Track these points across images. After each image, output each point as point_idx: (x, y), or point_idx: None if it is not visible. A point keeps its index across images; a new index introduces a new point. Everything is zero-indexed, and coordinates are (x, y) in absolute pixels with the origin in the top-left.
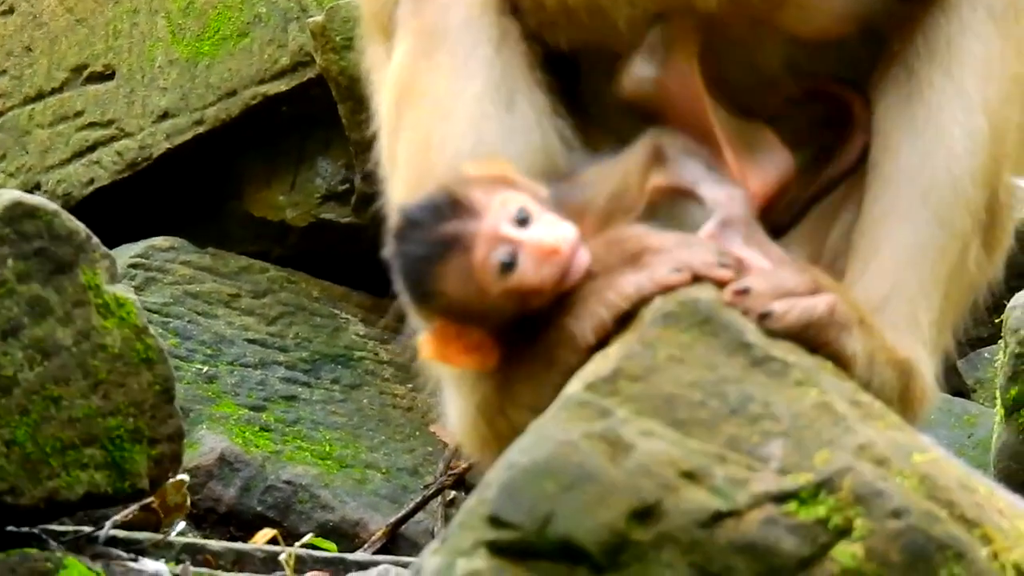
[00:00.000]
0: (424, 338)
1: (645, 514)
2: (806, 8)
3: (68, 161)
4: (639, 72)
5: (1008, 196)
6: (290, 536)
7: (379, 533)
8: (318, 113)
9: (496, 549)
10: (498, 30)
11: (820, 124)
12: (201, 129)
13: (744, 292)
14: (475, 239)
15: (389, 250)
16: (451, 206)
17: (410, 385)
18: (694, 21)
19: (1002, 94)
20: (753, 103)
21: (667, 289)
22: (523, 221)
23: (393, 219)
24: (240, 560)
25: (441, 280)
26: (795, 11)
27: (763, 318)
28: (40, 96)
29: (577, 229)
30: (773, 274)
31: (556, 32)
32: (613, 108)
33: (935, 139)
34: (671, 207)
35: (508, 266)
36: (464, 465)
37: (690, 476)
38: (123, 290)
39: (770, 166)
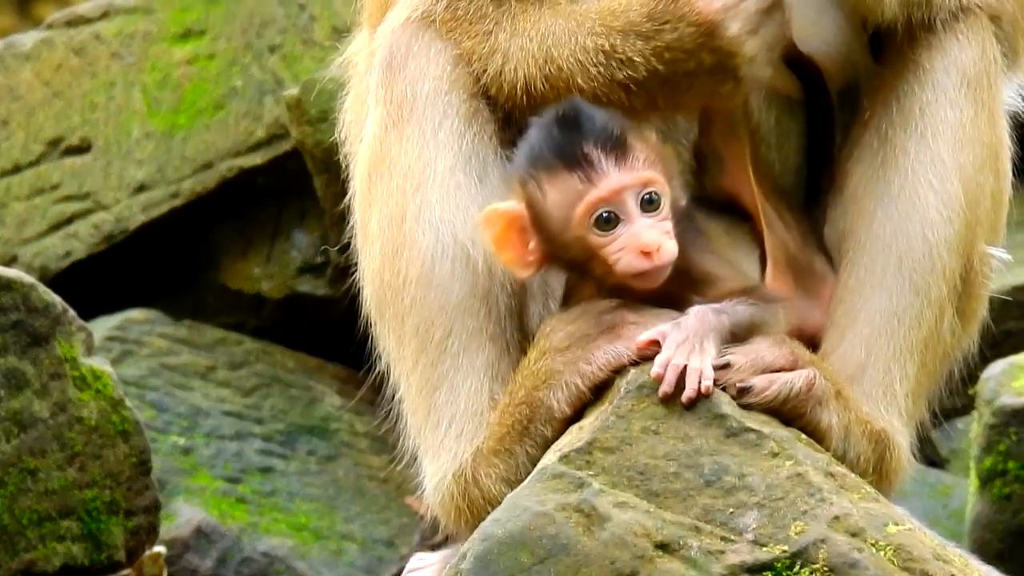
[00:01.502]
0: (502, 206)
1: None
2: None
3: (45, 234)
4: (706, 181)
5: (983, 264)
6: None
7: None
8: (294, 185)
9: None
10: (467, 105)
11: None
12: (177, 202)
13: (724, 366)
14: (603, 180)
15: (542, 118)
16: (614, 141)
17: (386, 457)
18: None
19: (976, 161)
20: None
21: (643, 360)
22: (648, 204)
23: (567, 102)
24: None
25: (550, 179)
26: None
27: (742, 393)
28: (17, 169)
29: (674, 254)
30: (752, 348)
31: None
32: None
33: (910, 206)
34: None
35: (606, 225)
36: (440, 537)
37: (665, 547)
38: (99, 363)
39: (804, 315)
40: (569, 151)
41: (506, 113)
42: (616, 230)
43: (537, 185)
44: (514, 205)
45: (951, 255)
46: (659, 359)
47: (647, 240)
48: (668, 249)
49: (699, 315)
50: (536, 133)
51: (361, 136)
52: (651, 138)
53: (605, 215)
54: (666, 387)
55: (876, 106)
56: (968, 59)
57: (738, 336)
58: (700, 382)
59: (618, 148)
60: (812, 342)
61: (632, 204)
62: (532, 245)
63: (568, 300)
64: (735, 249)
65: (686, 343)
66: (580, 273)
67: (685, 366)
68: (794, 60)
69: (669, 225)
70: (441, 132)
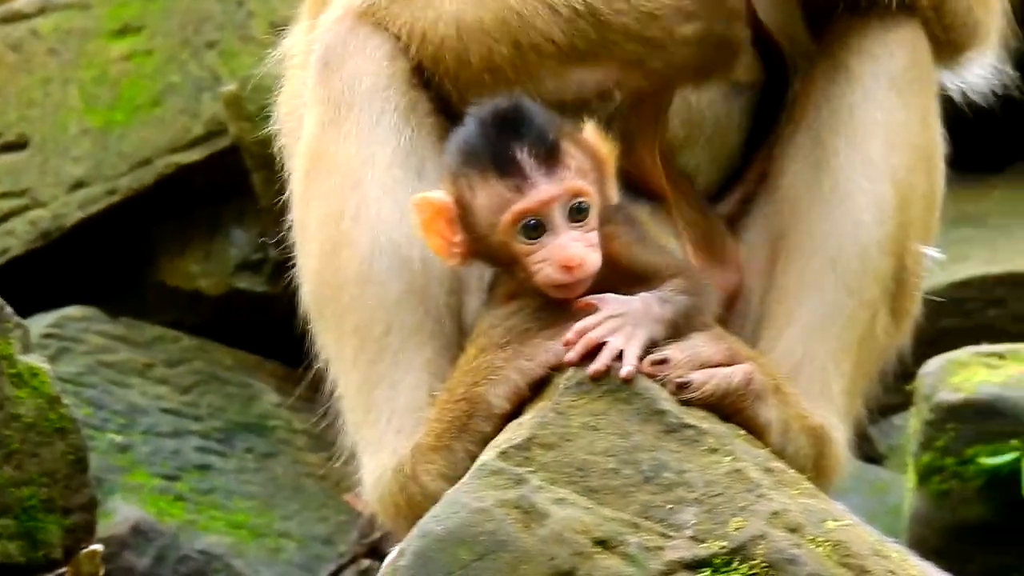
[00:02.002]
0: (435, 194)
1: None
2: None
3: None
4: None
5: (915, 264)
6: None
7: None
8: (232, 182)
9: None
10: (406, 100)
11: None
12: (115, 199)
13: (662, 362)
14: (532, 191)
15: (482, 111)
16: (547, 148)
17: (324, 454)
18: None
19: (907, 163)
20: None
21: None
22: (577, 214)
23: (508, 98)
24: None
25: (482, 181)
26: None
27: (681, 388)
28: None
29: (596, 267)
30: (690, 344)
31: (481, 94)
32: None
33: (842, 208)
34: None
35: (532, 234)
36: (378, 534)
37: (604, 544)
38: (36, 360)
39: (720, 281)
40: (502, 155)
41: (445, 102)
42: (541, 239)
43: (467, 184)
44: (444, 196)
45: (883, 256)
46: (577, 325)
47: (570, 254)
48: (590, 263)
49: (645, 301)
50: (473, 127)
51: (298, 132)
52: (594, 139)
53: (532, 223)
54: (571, 356)
55: (808, 106)
56: (898, 63)
57: (680, 326)
58: (623, 367)
59: (551, 157)
60: (731, 303)
61: (559, 215)
62: (458, 239)
63: (493, 290)
64: (661, 232)
65: (616, 322)
66: (504, 270)
67: (604, 343)
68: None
69: (595, 237)
70: (379, 128)
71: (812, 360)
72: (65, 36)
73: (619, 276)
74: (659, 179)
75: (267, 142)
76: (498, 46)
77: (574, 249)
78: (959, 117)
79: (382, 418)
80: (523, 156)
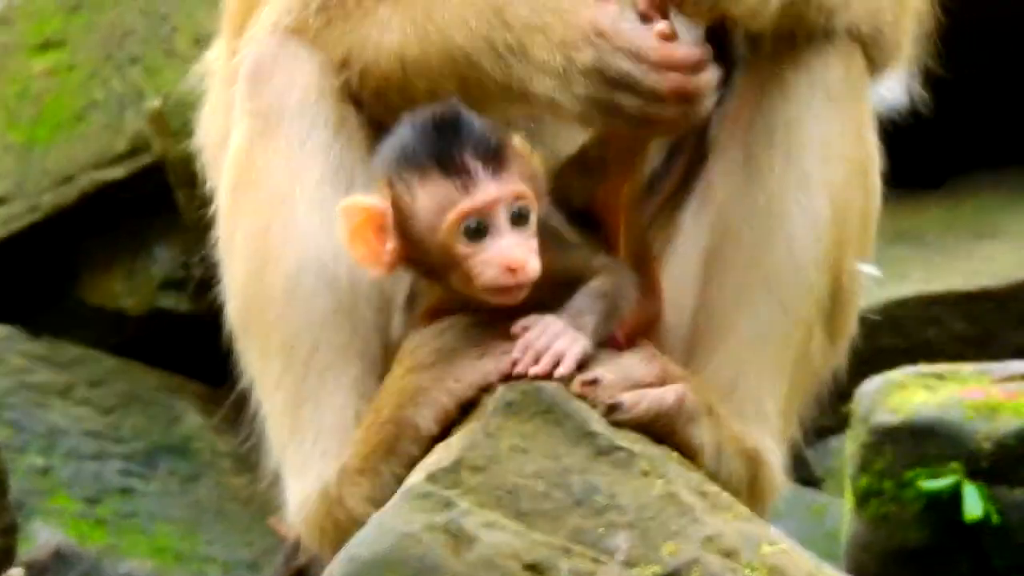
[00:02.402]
0: (361, 200)
1: None
2: None
3: None
4: (577, 184)
5: (851, 282)
6: None
7: None
8: (156, 199)
9: None
10: (336, 114)
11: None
12: (37, 216)
13: (593, 382)
14: (478, 189)
15: (416, 116)
16: (490, 149)
17: (248, 476)
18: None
19: (843, 177)
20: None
21: (511, 377)
22: (518, 218)
23: (445, 103)
24: None
25: (422, 182)
26: None
27: (612, 410)
28: None
29: (537, 273)
30: (621, 364)
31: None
32: None
33: (777, 223)
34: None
35: (474, 236)
36: (304, 559)
37: (534, 569)
38: None
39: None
40: (446, 155)
41: (376, 116)
42: (484, 242)
43: (407, 186)
44: (376, 201)
45: (819, 273)
46: (520, 341)
47: (515, 256)
48: (532, 267)
49: (570, 314)
50: (409, 132)
51: (223, 147)
52: (526, 150)
53: (474, 225)
54: (520, 368)
55: (741, 118)
56: (834, 76)
57: (607, 328)
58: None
59: (496, 158)
60: (652, 330)
61: (503, 217)
62: (390, 246)
63: (412, 306)
64: (574, 229)
65: (551, 332)
66: (435, 280)
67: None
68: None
69: (535, 243)
70: (309, 143)
71: (746, 380)
72: None
73: (545, 284)
74: (615, 207)
75: (191, 158)
76: (445, 82)
77: (517, 252)
78: (896, 131)
79: (307, 439)
80: (468, 156)
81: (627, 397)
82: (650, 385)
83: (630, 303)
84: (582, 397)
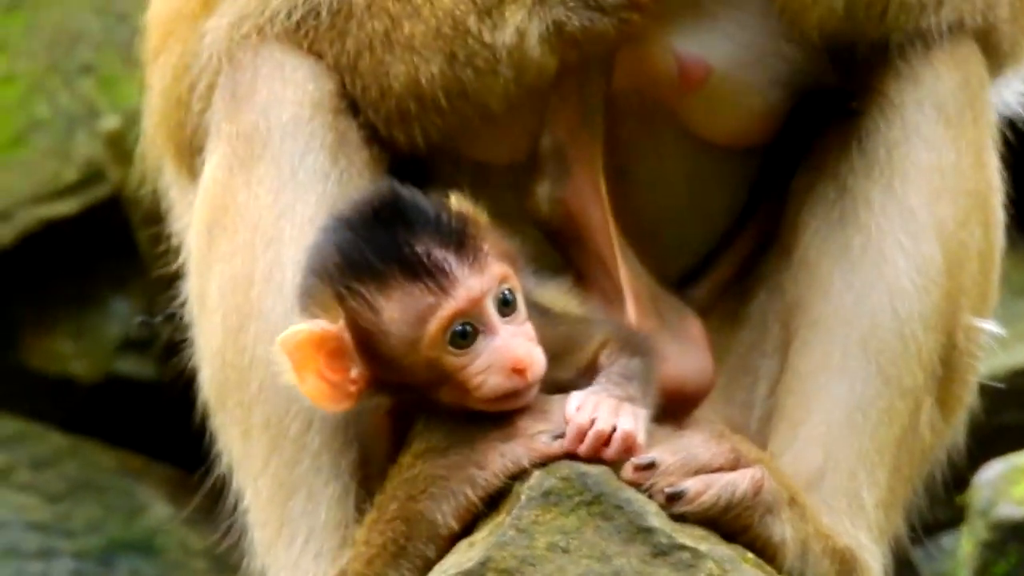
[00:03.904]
0: (300, 328)
1: None
2: (719, 103)
3: None
4: (538, 190)
5: (969, 342)
6: None
7: None
8: (111, 241)
9: None
10: (334, 134)
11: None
12: None
13: (648, 467)
14: (457, 288)
15: (345, 214)
16: (455, 235)
17: None
18: (586, 99)
19: (958, 214)
20: (660, 231)
21: (548, 461)
22: (505, 306)
23: (379, 189)
24: None
25: (385, 292)
26: (703, 105)
27: (672, 499)
28: None
29: (544, 365)
30: (683, 444)
31: (409, 126)
32: None
33: (875, 273)
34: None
35: (464, 341)
36: None
37: None
38: None
39: (683, 361)
40: (406, 254)
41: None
42: (476, 346)
43: (365, 300)
44: (325, 324)
45: (928, 333)
46: (577, 419)
47: (520, 353)
48: (539, 360)
49: (607, 388)
50: (348, 232)
51: (183, 172)
52: (474, 212)
53: (462, 329)
54: (566, 442)
55: (832, 146)
56: (947, 89)
57: (653, 397)
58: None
59: (462, 241)
60: (700, 395)
61: (491, 311)
62: (355, 372)
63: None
64: (576, 300)
65: (607, 405)
66: (418, 400)
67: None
68: None
69: (530, 328)
70: (301, 172)
71: (838, 465)
72: None
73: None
74: (602, 223)
75: (157, 191)
76: (432, 58)
77: (520, 348)
78: (1020, 152)
79: (299, 537)
80: (432, 248)
81: (691, 484)
82: (719, 469)
83: (658, 363)
84: (636, 484)
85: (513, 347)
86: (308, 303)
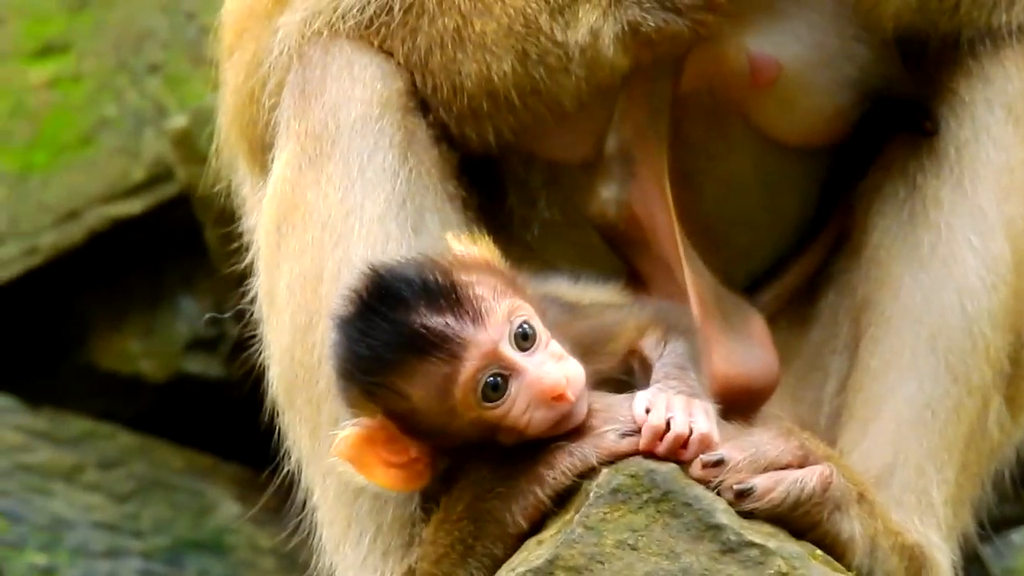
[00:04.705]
0: (346, 432)
1: None
2: (791, 103)
3: None
4: (603, 192)
5: None
6: None
7: None
8: (179, 240)
9: None
10: (402, 132)
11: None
12: (34, 260)
13: (717, 464)
14: (468, 349)
15: (342, 310)
16: (447, 295)
17: None
18: (654, 100)
19: None
20: (730, 234)
21: (616, 459)
22: (525, 338)
23: (364, 275)
24: None
25: (405, 378)
26: (773, 105)
27: (741, 496)
28: None
29: (583, 375)
30: (751, 441)
31: (481, 125)
32: (544, 230)
33: (945, 271)
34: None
35: (496, 393)
36: None
37: None
38: None
39: (748, 358)
40: (407, 336)
41: (458, 118)
42: (509, 391)
43: (389, 391)
44: (366, 421)
45: (996, 330)
46: (651, 420)
47: (552, 382)
48: (576, 375)
49: (670, 375)
50: (350, 333)
51: (254, 170)
52: (473, 246)
53: (491, 381)
54: (643, 440)
55: (901, 146)
56: (1016, 89)
57: (702, 376)
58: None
59: (458, 297)
60: (766, 392)
61: (510, 353)
62: (415, 451)
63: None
64: (599, 289)
65: (679, 405)
66: (478, 446)
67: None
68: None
69: (557, 346)
70: (370, 170)
71: (907, 462)
72: None
73: (582, 358)
74: (667, 224)
75: (225, 190)
76: (504, 56)
77: (551, 376)
78: None
79: (366, 535)
80: (432, 320)
81: (760, 481)
82: (787, 466)
83: (699, 336)
84: (704, 482)
85: (544, 378)
86: (345, 402)
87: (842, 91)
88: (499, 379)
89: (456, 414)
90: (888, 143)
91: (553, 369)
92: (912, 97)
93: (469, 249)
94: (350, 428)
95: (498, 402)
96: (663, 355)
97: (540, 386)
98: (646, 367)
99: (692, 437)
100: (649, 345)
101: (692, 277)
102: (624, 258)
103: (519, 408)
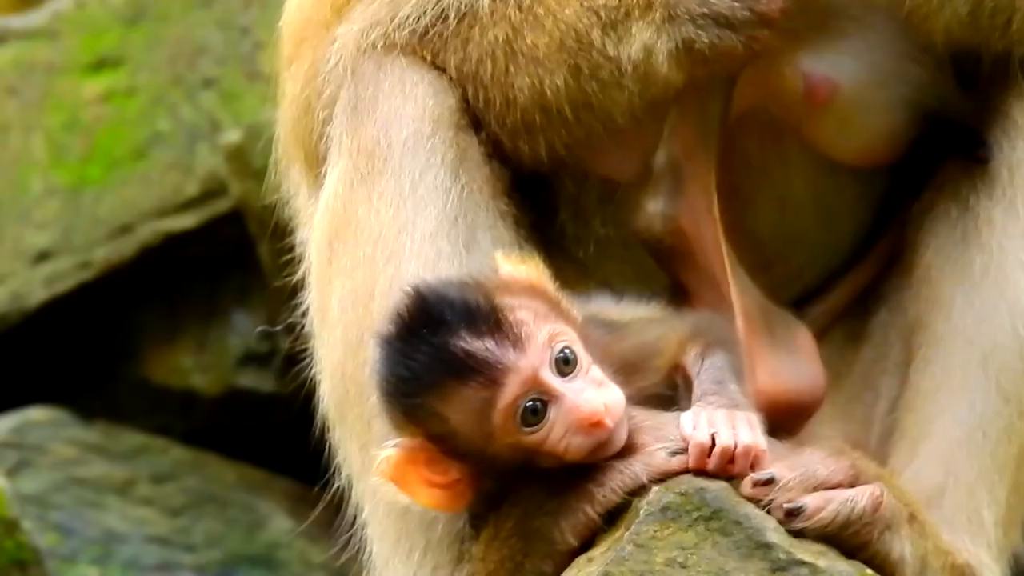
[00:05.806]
0: (389, 452)
1: None
2: (846, 122)
3: None
4: (650, 206)
5: None
6: None
7: None
8: (233, 255)
9: None
10: (454, 150)
11: None
12: (87, 274)
13: (767, 482)
14: (508, 374)
15: (385, 330)
16: (489, 319)
17: None
18: (705, 117)
19: None
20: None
21: (666, 477)
22: (566, 363)
23: (407, 295)
24: None
25: (445, 401)
26: (828, 124)
27: (791, 515)
28: None
29: (623, 402)
30: (802, 460)
31: (534, 139)
32: (596, 247)
33: (996, 292)
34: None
35: (535, 417)
36: None
37: None
38: None
39: (794, 373)
40: (448, 360)
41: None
42: (548, 417)
43: (429, 413)
44: (407, 442)
45: None
46: (697, 437)
47: (591, 410)
48: (615, 402)
49: (710, 391)
50: (390, 352)
51: (310, 186)
52: (519, 268)
53: (530, 406)
54: (692, 459)
55: (954, 166)
56: None
57: (743, 386)
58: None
59: (501, 324)
60: (812, 407)
61: (551, 379)
62: (456, 472)
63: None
64: (640, 306)
65: (721, 419)
66: (520, 469)
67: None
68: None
69: (598, 372)
70: (421, 187)
71: (958, 482)
72: (27, 72)
73: (628, 376)
74: (714, 241)
75: (278, 205)
76: (557, 70)
77: (590, 403)
78: None
79: (416, 551)
80: (473, 344)
81: (810, 500)
82: (838, 486)
83: (738, 347)
84: (755, 500)
85: (583, 406)
86: (389, 422)
87: (897, 111)
88: (538, 404)
89: (495, 438)
90: (941, 164)
91: (592, 396)
92: (967, 122)
93: (517, 269)
94: (392, 448)
95: (537, 427)
96: (701, 371)
97: (579, 413)
98: (688, 382)
99: (738, 449)
100: (690, 360)
101: (737, 291)
102: (669, 272)
103: (557, 434)
